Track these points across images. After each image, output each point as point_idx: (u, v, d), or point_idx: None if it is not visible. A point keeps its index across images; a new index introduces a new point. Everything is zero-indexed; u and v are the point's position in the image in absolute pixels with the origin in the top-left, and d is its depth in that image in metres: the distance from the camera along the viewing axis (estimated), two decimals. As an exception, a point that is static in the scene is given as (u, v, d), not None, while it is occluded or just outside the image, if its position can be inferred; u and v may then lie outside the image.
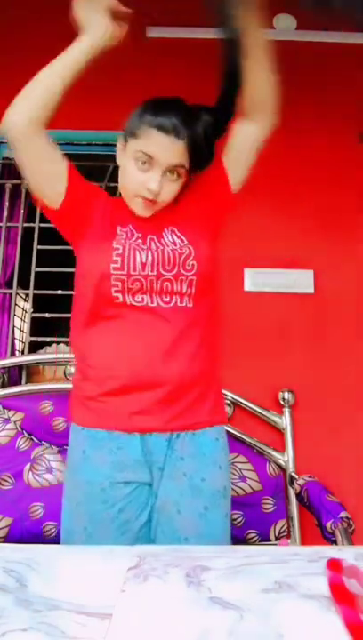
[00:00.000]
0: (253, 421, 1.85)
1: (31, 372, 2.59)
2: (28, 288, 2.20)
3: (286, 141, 2.17)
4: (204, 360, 1.05)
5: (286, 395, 1.85)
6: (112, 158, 2.21)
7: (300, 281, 2.04)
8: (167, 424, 1.01)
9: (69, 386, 1.76)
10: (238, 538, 1.60)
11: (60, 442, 1.69)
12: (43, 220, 2.16)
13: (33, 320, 2.21)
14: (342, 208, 2.11)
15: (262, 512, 1.66)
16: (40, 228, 2.19)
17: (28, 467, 1.65)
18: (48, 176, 1.01)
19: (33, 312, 2.23)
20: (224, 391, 1.72)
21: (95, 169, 2.24)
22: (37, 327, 2.35)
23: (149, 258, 1.00)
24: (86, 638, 0.48)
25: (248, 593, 0.57)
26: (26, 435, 1.70)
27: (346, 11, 0.98)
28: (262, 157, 2.28)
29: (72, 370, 1.82)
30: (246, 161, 1.10)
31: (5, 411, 1.72)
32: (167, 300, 1.01)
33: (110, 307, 1.01)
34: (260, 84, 1.03)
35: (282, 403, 1.86)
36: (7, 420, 1.71)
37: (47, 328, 2.44)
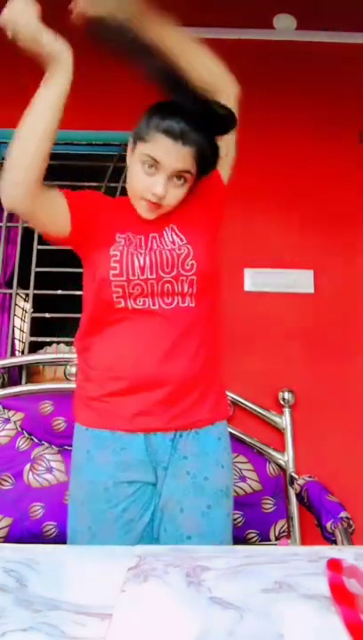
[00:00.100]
0: (253, 421, 1.85)
1: (31, 371, 2.59)
2: (28, 288, 2.20)
3: (285, 141, 2.18)
4: (205, 359, 1.05)
5: (286, 395, 1.85)
6: (112, 158, 2.23)
7: (300, 281, 2.04)
8: (170, 423, 1.01)
9: (69, 386, 1.77)
10: (238, 538, 1.60)
11: (60, 442, 1.69)
12: (43, 220, 2.16)
13: (33, 320, 2.21)
14: (342, 208, 2.11)
15: (262, 512, 1.67)
16: (40, 228, 2.19)
17: (28, 467, 1.65)
18: (53, 218, 1.01)
19: (33, 312, 2.23)
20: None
21: (95, 169, 2.24)
22: (37, 327, 2.35)
23: (148, 261, 1.01)
24: (86, 638, 0.48)
25: (248, 593, 0.57)
26: (26, 435, 1.70)
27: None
28: (263, 157, 2.29)
29: (72, 370, 1.82)
30: (229, 145, 1.10)
31: (5, 411, 1.72)
32: (169, 301, 1.02)
33: (113, 312, 1.02)
34: (200, 66, 1.03)
35: (282, 403, 1.86)
36: (7, 420, 1.71)
37: (47, 328, 2.44)
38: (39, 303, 2.30)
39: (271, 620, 0.51)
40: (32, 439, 1.70)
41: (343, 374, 1.96)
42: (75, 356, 1.83)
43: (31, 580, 0.61)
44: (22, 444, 1.69)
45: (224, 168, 1.12)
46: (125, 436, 1.01)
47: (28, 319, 2.21)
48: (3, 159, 2.25)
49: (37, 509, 1.60)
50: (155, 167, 0.98)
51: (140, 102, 1.03)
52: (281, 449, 1.79)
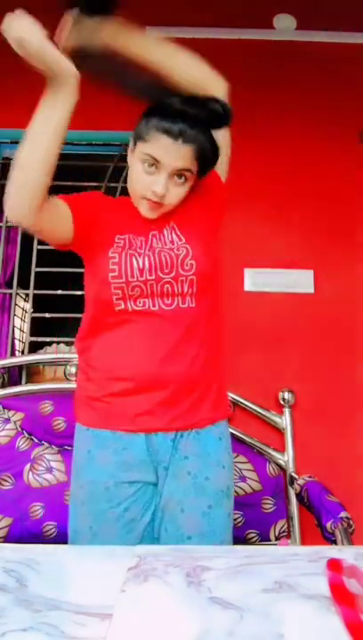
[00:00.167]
0: (253, 421, 1.85)
1: (31, 371, 2.59)
2: (28, 288, 2.20)
3: (285, 141, 2.18)
4: (206, 359, 1.05)
5: (286, 395, 1.85)
6: (112, 158, 2.23)
7: (300, 281, 2.04)
8: (171, 423, 1.01)
9: (69, 386, 1.77)
10: (238, 538, 1.60)
11: (60, 442, 1.69)
12: (43, 220, 2.16)
13: (33, 320, 2.21)
14: (342, 208, 2.11)
15: (262, 512, 1.66)
16: (40, 228, 2.19)
17: (28, 467, 1.65)
18: (57, 228, 1.01)
19: (33, 312, 2.23)
20: (224, 391, 1.72)
21: (95, 169, 2.24)
22: (37, 327, 2.35)
23: (147, 263, 1.01)
24: (86, 638, 0.48)
25: (248, 593, 0.57)
26: (26, 435, 1.70)
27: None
28: (263, 157, 2.29)
29: (72, 370, 1.82)
30: (224, 144, 1.10)
31: (5, 411, 1.72)
32: (168, 302, 1.02)
33: (113, 314, 1.02)
34: (183, 70, 1.04)
35: (282, 403, 1.86)
36: (7, 420, 1.71)
37: (47, 328, 2.44)
38: (39, 303, 2.30)
39: (271, 620, 0.51)
40: (32, 439, 1.70)
41: (343, 374, 1.96)
42: (75, 356, 1.84)
43: (31, 580, 0.61)
44: (22, 443, 1.69)
45: (221, 167, 1.12)
46: (126, 436, 1.01)
47: (28, 319, 2.21)
48: (3, 159, 2.26)
49: (37, 509, 1.60)
50: (155, 166, 0.98)
51: (140, 102, 1.04)
52: (281, 449, 1.79)
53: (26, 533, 1.58)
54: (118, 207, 1.11)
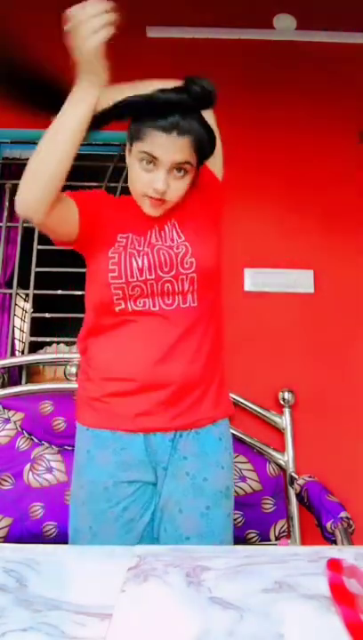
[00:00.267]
0: (253, 421, 1.85)
1: (31, 371, 2.59)
2: (28, 288, 2.20)
3: (285, 141, 2.18)
4: (206, 358, 1.05)
5: (286, 395, 1.85)
6: (112, 158, 2.23)
7: (300, 281, 2.04)
8: (171, 423, 1.01)
9: (69, 386, 1.77)
10: (238, 538, 1.60)
11: (60, 442, 1.69)
12: (43, 220, 2.16)
13: (33, 320, 2.21)
14: (342, 208, 2.11)
15: (262, 512, 1.66)
16: (40, 228, 2.19)
17: (28, 467, 1.65)
18: (65, 226, 1.02)
19: (33, 312, 2.23)
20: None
21: (95, 169, 2.24)
22: (37, 327, 2.35)
23: (146, 262, 1.01)
24: (86, 638, 0.48)
25: (248, 593, 0.57)
26: (26, 435, 1.70)
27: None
28: (263, 157, 2.29)
29: (72, 370, 1.82)
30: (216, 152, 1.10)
31: (5, 411, 1.72)
32: (169, 302, 1.02)
33: (113, 315, 1.02)
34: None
35: (282, 403, 1.86)
36: (7, 420, 1.71)
37: (47, 328, 2.44)
38: (39, 303, 2.30)
39: (271, 619, 0.51)
40: (32, 439, 1.70)
41: (343, 374, 1.96)
42: (75, 355, 1.84)
43: (31, 580, 0.61)
44: (22, 443, 1.69)
45: (216, 167, 1.11)
46: (126, 436, 1.01)
47: (28, 319, 2.21)
48: (3, 159, 2.26)
49: (37, 509, 1.60)
50: (153, 163, 0.98)
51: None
52: (281, 449, 1.79)
53: (26, 533, 1.58)
54: (121, 205, 1.11)
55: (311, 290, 2.03)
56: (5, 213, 2.23)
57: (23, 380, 2.19)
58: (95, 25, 0.80)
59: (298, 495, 1.62)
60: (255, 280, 2.03)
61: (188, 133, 0.96)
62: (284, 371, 1.94)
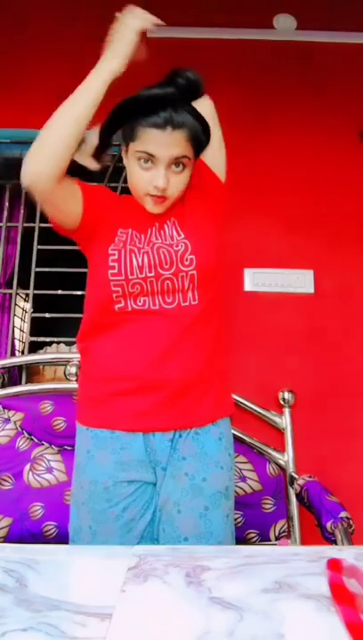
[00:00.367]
0: (253, 421, 1.85)
1: (31, 371, 2.59)
2: (28, 288, 2.19)
3: (286, 141, 2.18)
4: (207, 357, 1.05)
5: (286, 395, 1.85)
6: (112, 158, 2.22)
7: (300, 281, 2.03)
8: (170, 423, 1.01)
9: (69, 386, 1.77)
10: (238, 538, 1.59)
11: (60, 442, 1.69)
12: (43, 220, 2.16)
13: (33, 320, 2.21)
14: (342, 208, 2.11)
15: (262, 512, 1.66)
16: (40, 228, 2.19)
17: (28, 467, 1.65)
18: (70, 210, 1.02)
19: (33, 312, 2.23)
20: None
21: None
22: (37, 327, 2.35)
23: (146, 260, 1.00)
24: (86, 638, 0.48)
25: (248, 593, 0.57)
26: (26, 435, 1.70)
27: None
28: (263, 157, 2.29)
29: (72, 370, 1.82)
30: (218, 145, 1.11)
31: (5, 411, 1.72)
32: (169, 300, 1.01)
33: (113, 313, 1.02)
34: None
35: (282, 403, 1.85)
36: (7, 420, 1.71)
37: (47, 328, 2.44)
38: (39, 303, 2.29)
39: (271, 619, 0.51)
40: (32, 439, 1.70)
41: (343, 374, 1.96)
42: (75, 355, 1.84)
43: (31, 579, 0.61)
44: (22, 444, 1.69)
45: (219, 168, 1.11)
46: (125, 436, 1.01)
47: (28, 319, 2.21)
48: (3, 159, 2.26)
49: (37, 509, 1.60)
50: (151, 161, 0.98)
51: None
52: (281, 449, 1.79)
53: (26, 533, 1.58)
54: (122, 202, 1.11)
55: (311, 290, 2.03)
56: (5, 213, 2.23)
57: (23, 380, 2.19)
58: (143, 15, 0.97)
59: (298, 495, 1.62)
60: (255, 280, 2.03)
61: (182, 127, 0.97)
62: (284, 371, 1.94)
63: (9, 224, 2.23)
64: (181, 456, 1.02)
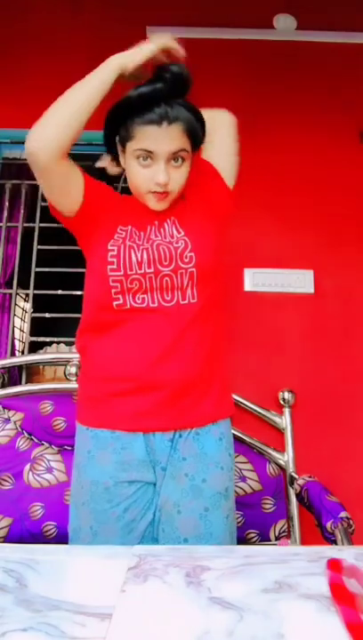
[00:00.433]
0: (253, 421, 1.85)
1: (31, 372, 2.59)
2: (28, 288, 2.20)
3: (285, 141, 2.18)
4: (207, 356, 1.04)
5: (286, 395, 1.85)
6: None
7: (300, 281, 2.04)
8: (170, 423, 1.01)
9: (69, 386, 1.77)
10: (238, 538, 1.59)
11: (60, 442, 1.69)
12: (43, 219, 2.16)
13: (33, 320, 2.21)
14: (342, 208, 2.11)
15: (262, 512, 1.66)
16: (40, 228, 2.19)
17: (28, 467, 1.65)
18: (69, 193, 1.02)
19: (33, 312, 2.23)
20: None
21: (95, 169, 2.24)
22: (37, 327, 2.35)
23: (145, 256, 1.00)
24: (86, 638, 0.48)
25: (248, 593, 0.57)
26: (26, 435, 1.70)
27: None
28: (263, 157, 2.29)
29: (72, 370, 1.82)
30: (230, 152, 1.12)
31: (5, 411, 1.72)
32: (168, 298, 1.01)
33: (112, 311, 1.02)
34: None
35: (282, 403, 1.86)
36: (7, 420, 1.71)
37: (47, 328, 2.44)
38: (39, 303, 2.30)
39: (271, 619, 0.51)
40: (32, 439, 1.70)
41: (343, 374, 1.96)
42: (75, 355, 1.84)
43: (31, 579, 0.61)
44: (22, 444, 1.69)
45: (228, 173, 1.12)
46: (125, 436, 1.00)
47: (28, 319, 2.21)
48: (3, 159, 2.26)
49: (37, 509, 1.60)
50: (150, 157, 0.98)
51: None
52: (281, 449, 1.79)
53: (26, 533, 1.58)
54: (123, 201, 1.11)
55: (311, 290, 2.03)
56: (5, 213, 2.23)
57: (23, 380, 2.19)
58: (170, 38, 1.01)
59: (298, 495, 1.62)
60: (255, 280, 2.03)
61: (177, 120, 0.97)
62: (284, 371, 1.94)
63: (9, 224, 2.23)
64: (181, 456, 1.01)
